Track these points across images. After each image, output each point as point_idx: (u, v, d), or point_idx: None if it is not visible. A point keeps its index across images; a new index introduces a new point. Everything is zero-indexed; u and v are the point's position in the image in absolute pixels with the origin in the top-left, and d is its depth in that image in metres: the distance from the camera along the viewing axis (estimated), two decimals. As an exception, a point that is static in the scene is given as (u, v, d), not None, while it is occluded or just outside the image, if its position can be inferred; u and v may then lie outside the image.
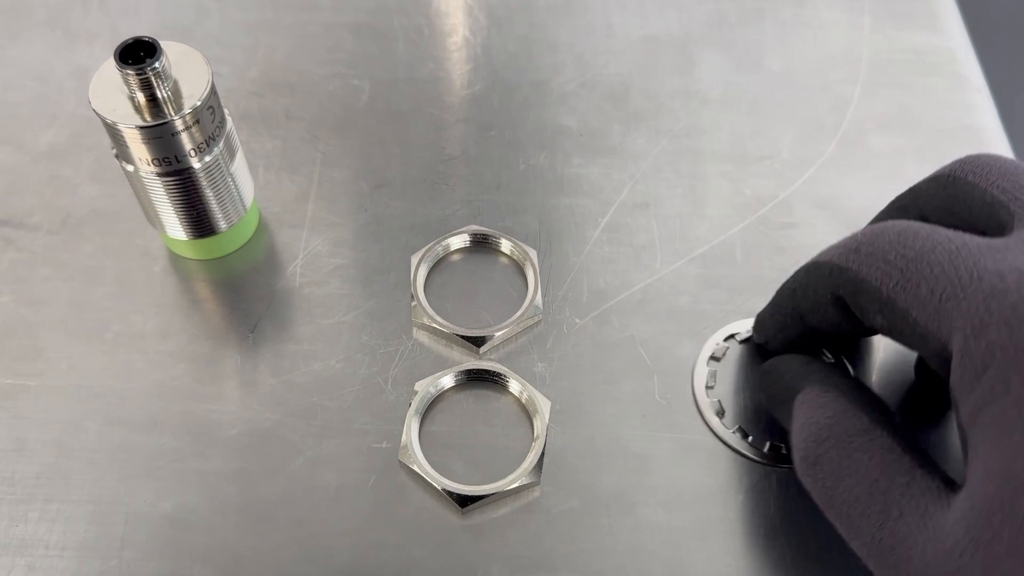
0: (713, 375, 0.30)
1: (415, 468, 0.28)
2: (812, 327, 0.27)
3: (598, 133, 0.37)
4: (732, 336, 0.31)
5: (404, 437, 0.29)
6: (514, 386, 0.30)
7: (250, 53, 0.40)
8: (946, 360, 0.22)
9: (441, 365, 0.31)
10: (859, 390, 0.25)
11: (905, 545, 0.21)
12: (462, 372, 0.30)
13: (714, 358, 0.31)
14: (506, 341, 0.32)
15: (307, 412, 0.30)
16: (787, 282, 0.28)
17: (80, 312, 0.32)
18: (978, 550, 0.19)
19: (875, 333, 0.25)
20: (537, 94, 0.39)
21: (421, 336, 0.32)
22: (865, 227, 0.25)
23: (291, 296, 0.33)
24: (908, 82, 0.39)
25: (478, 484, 0.28)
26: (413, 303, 0.32)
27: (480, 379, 0.31)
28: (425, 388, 0.30)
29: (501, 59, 0.40)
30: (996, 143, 0.37)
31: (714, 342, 0.31)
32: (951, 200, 0.25)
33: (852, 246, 0.24)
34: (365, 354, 0.31)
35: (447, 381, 0.30)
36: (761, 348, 0.31)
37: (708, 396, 0.30)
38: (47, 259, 0.34)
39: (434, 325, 0.31)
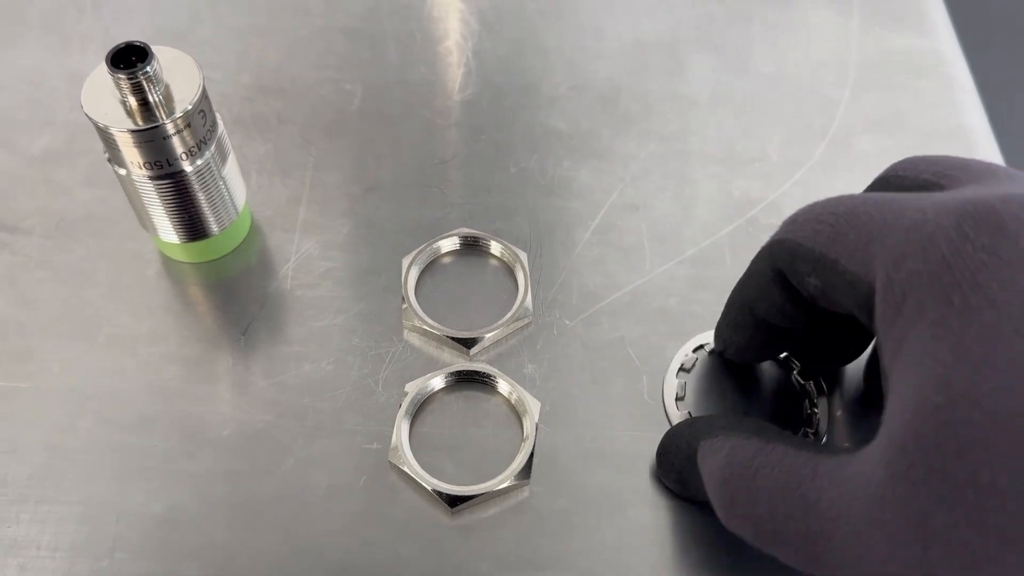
0: (683, 386, 0.31)
1: (405, 469, 0.29)
2: (760, 319, 0.27)
3: (588, 136, 0.37)
4: (701, 347, 0.31)
5: (394, 438, 0.29)
6: (504, 387, 0.30)
7: (243, 58, 0.40)
8: (870, 311, 0.22)
9: (431, 366, 0.31)
10: (746, 422, 0.25)
11: (831, 517, 0.20)
12: (452, 373, 0.31)
13: (683, 369, 0.31)
14: (496, 343, 0.32)
15: (298, 413, 0.30)
16: (736, 284, 0.28)
17: (73, 314, 0.32)
18: (897, 483, 0.18)
19: (814, 313, 0.26)
20: (527, 97, 0.39)
21: (412, 338, 0.32)
22: None
23: (283, 298, 0.33)
24: (897, 84, 0.39)
25: (468, 484, 0.28)
26: (404, 305, 0.32)
27: (470, 380, 0.31)
28: (415, 389, 0.30)
29: (492, 63, 0.40)
30: (984, 144, 0.38)
31: (683, 353, 0.31)
32: None
33: (790, 219, 0.25)
34: (356, 356, 0.32)
35: (437, 382, 0.31)
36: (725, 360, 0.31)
37: (678, 408, 0.30)
38: (41, 262, 0.34)
39: (425, 327, 0.32)
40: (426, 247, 0.34)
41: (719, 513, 0.24)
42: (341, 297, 0.33)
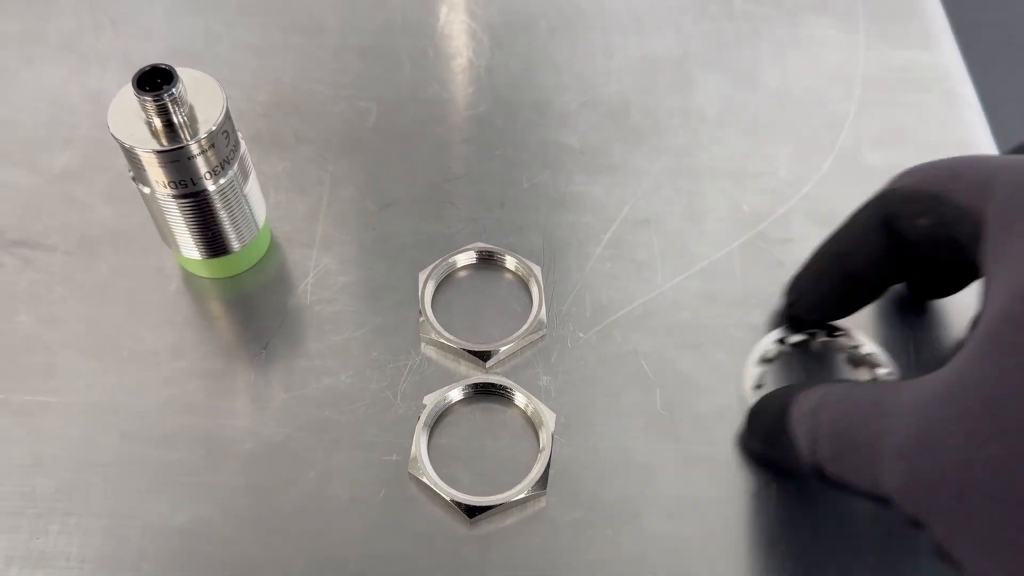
0: (763, 376, 0.32)
1: (424, 480, 0.29)
2: (848, 271, 0.29)
3: (599, 151, 0.38)
4: (782, 340, 0.32)
5: (413, 450, 0.30)
6: (520, 399, 0.31)
7: (259, 76, 0.41)
8: (977, 238, 0.24)
9: (449, 379, 0.32)
10: (842, 379, 0.28)
11: (906, 411, 0.22)
12: (469, 386, 0.31)
13: (765, 360, 0.32)
14: (512, 355, 0.32)
15: (318, 426, 0.31)
16: (827, 238, 0.30)
17: (96, 330, 0.33)
18: (981, 357, 0.20)
19: (910, 272, 0.29)
20: (539, 114, 0.39)
21: (429, 351, 0.33)
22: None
23: (302, 313, 0.33)
24: (902, 99, 0.40)
25: (486, 495, 0.29)
26: (421, 319, 0.33)
27: (487, 393, 0.31)
28: (433, 402, 0.31)
29: (504, 80, 0.41)
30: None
31: (765, 344, 0.32)
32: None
33: (899, 175, 0.28)
34: (374, 369, 0.32)
35: (455, 395, 0.31)
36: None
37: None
38: (63, 279, 0.34)
39: (441, 340, 0.32)
40: (442, 262, 0.34)
41: (803, 446, 0.25)
42: (359, 311, 0.34)
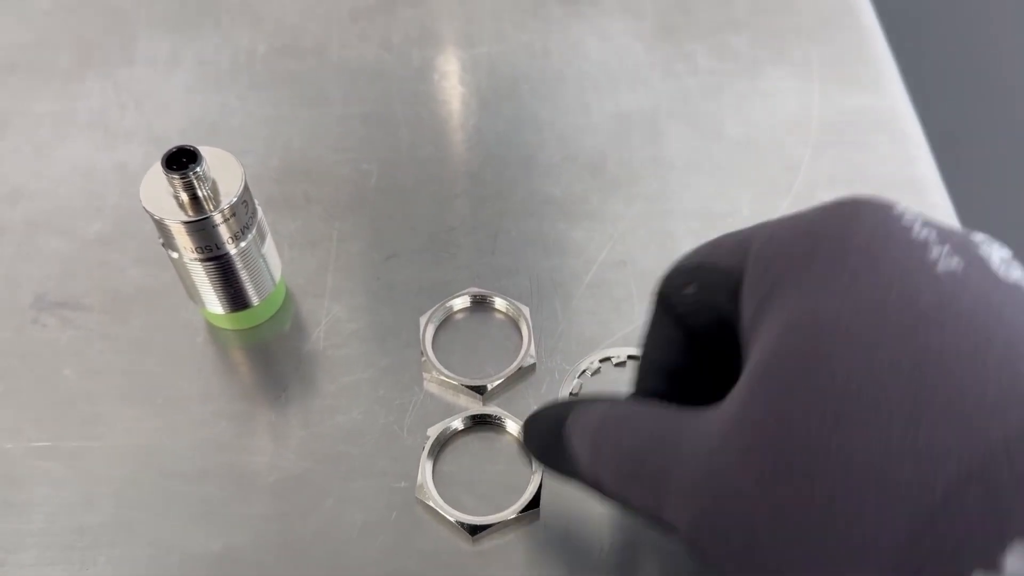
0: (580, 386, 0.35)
1: (431, 503, 0.33)
2: (663, 363, 0.29)
3: (579, 200, 0.42)
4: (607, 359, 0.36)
5: (420, 477, 0.33)
6: (513, 427, 0.35)
7: (270, 144, 0.45)
8: (738, 293, 0.24)
9: (449, 412, 0.35)
10: (624, 397, 0.28)
11: (689, 448, 0.22)
12: (468, 417, 0.35)
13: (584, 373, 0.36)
14: (505, 388, 0.36)
15: (334, 459, 0.34)
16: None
17: (133, 380, 0.37)
18: (756, 396, 0.20)
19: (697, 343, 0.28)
20: (525, 168, 0.43)
21: (431, 387, 0.36)
22: None
23: (316, 358, 0.37)
24: (854, 140, 0.44)
25: (486, 515, 0.32)
26: (423, 358, 0.37)
27: (484, 423, 0.35)
28: (436, 432, 0.34)
29: (492, 139, 0.45)
30: (935, 192, 0.42)
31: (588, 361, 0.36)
32: None
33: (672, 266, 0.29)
34: (382, 406, 0.36)
35: (455, 425, 0.35)
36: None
37: None
38: (101, 335, 0.38)
39: (442, 377, 0.36)
40: (440, 306, 0.38)
41: (582, 461, 0.25)
42: (367, 354, 0.37)
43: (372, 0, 0.51)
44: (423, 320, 0.38)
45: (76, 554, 0.32)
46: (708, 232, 0.40)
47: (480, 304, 0.39)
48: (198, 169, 0.32)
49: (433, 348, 0.37)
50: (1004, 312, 0.19)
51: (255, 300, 0.36)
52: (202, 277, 0.34)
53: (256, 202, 0.35)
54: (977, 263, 0.20)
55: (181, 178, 0.32)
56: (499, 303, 0.38)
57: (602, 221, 0.41)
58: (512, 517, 0.32)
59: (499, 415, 0.35)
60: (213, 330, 0.38)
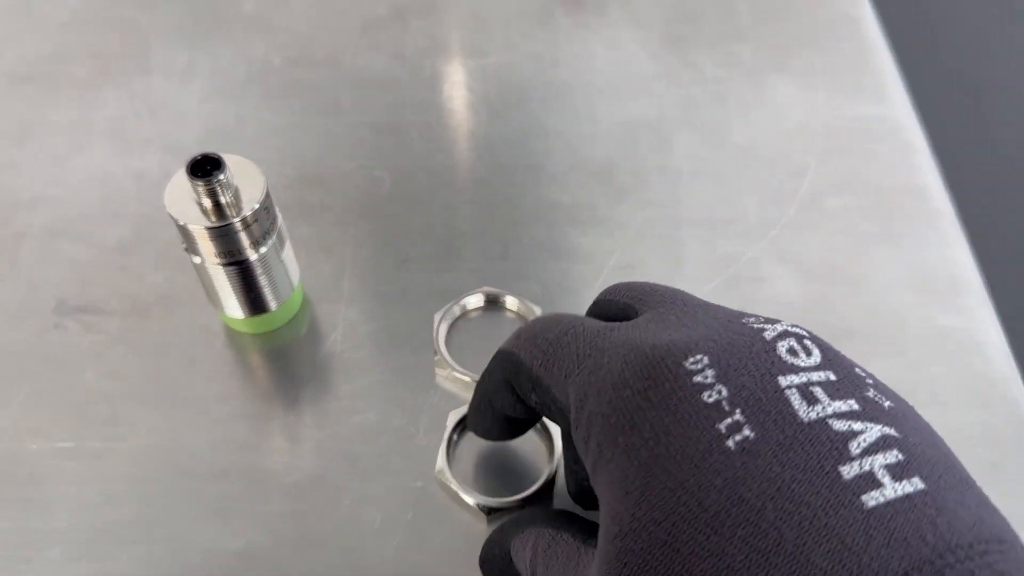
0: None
1: (451, 486, 0.33)
2: (498, 411, 0.30)
3: (588, 207, 0.43)
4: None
5: (439, 462, 0.34)
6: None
7: (285, 153, 0.46)
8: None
9: (463, 408, 0.36)
10: (547, 512, 0.29)
11: None
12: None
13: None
14: (517, 390, 0.37)
15: (350, 458, 0.35)
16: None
17: (153, 383, 0.38)
18: None
19: (538, 418, 0.30)
20: (534, 176, 0.44)
21: (444, 384, 0.37)
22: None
23: (332, 360, 0.38)
24: (858, 148, 0.45)
25: (502, 496, 0.33)
26: (436, 356, 0.38)
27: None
28: (456, 418, 0.35)
29: (501, 147, 0.46)
30: (938, 199, 0.43)
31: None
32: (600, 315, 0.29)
33: (517, 333, 0.28)
34: (397, 406, 0.37)
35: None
36: None
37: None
38: (122, 339, 0.39)
39: (455, 374, 0.37)
40: (453, 304, 0.39)
41: None
42: (382, 356, 0.38)
43: (383, 11, 0.52)
44: (437, 317, 0.39)
45: (99, 550, 0.33)
46: (714, 238, 0.41)
47: (493, 303, 0.40)
48: (222, 176, 0.33)
49: (447, 345, 0.38)
50: (794, 491, 0.19)
51: (273, 305, 0.37)
52: (223, 282, 0.35)
53: (277, 209, 0.36)
54: (771, 422, 0.20)
55: (205, 185, 0.32)
56: (511, 302, 0.39)
57: (610, 228, 0.42)
58: (528, 494, 0.33)
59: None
60: (231, 334, 0.39)
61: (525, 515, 0.29)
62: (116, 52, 0.51)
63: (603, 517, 0.22)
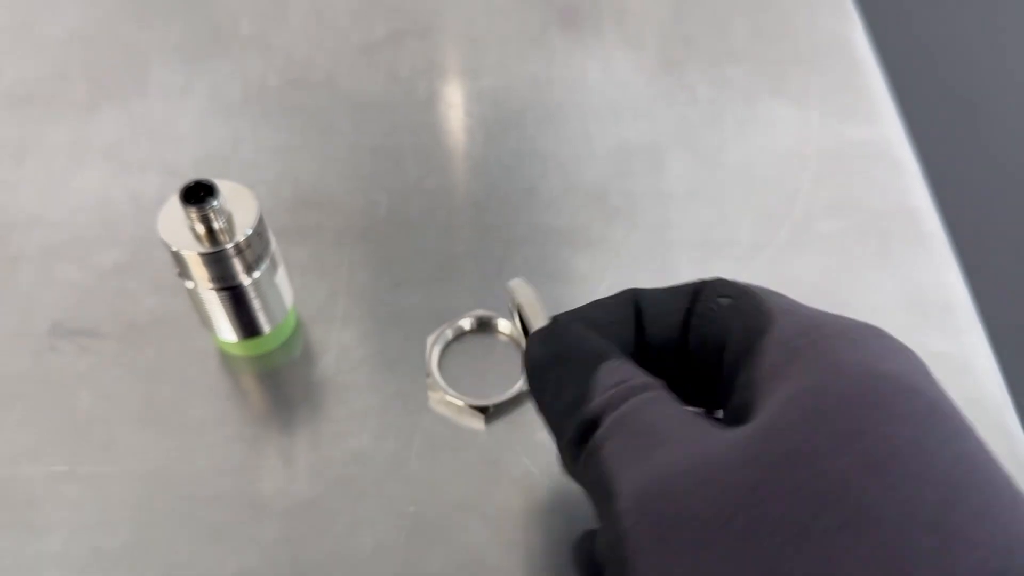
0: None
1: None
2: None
3: (582, 229, 0.43)
4: None
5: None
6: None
7: (282, 174, 0.46)
8: (753, 341, 0.25)
9: (455, 436, 0.36)
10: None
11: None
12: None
13: None
14: (509, 408, 0.37)
15: (344, 483, 0.35)
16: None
17: (148, 406, 0.38)
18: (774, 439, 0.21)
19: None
20: (528, 198, 0.45)
21: (437, 407, 0.37)
22: None
23: (326, 383, 0.38)
24: (851, 170, 0.45)
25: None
26: (428, 379, 0.38)
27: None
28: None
29: (497, 170, 0.46)
30: (929, 222, 0.43)
31: None
32: None
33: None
34: (391, 430, 0.37)
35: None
36: None
37: None
38: (117, 362, 0.39)
39: (447, 398, 0.37)
40: (446, 328, 0.39)
41: (596, 402, 0.25)
42: (376, 380, 0.38)
43: (380, 33, 0.53)
44: (429, 341, 0.39)
45: (94, 575, 0.33)
46: (708, 261, 0.41)
47: (485, 326, 0.40)
48: (215, 203, 0.33)
49: (439, 369, 0.38)
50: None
51: (267, 328, 0.37)
52: (216, 306, 0.35)
53: (270, 233, 0.36)
54: None
55: (198, 211, 0.33)
56: (503, 325, 0.40)
57: (604, 250, 0.42)
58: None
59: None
60: (226, 357, 0.39)
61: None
62: (114, 72, 0.52)
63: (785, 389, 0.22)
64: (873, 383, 0.21)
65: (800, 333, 0.24)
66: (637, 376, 0.25)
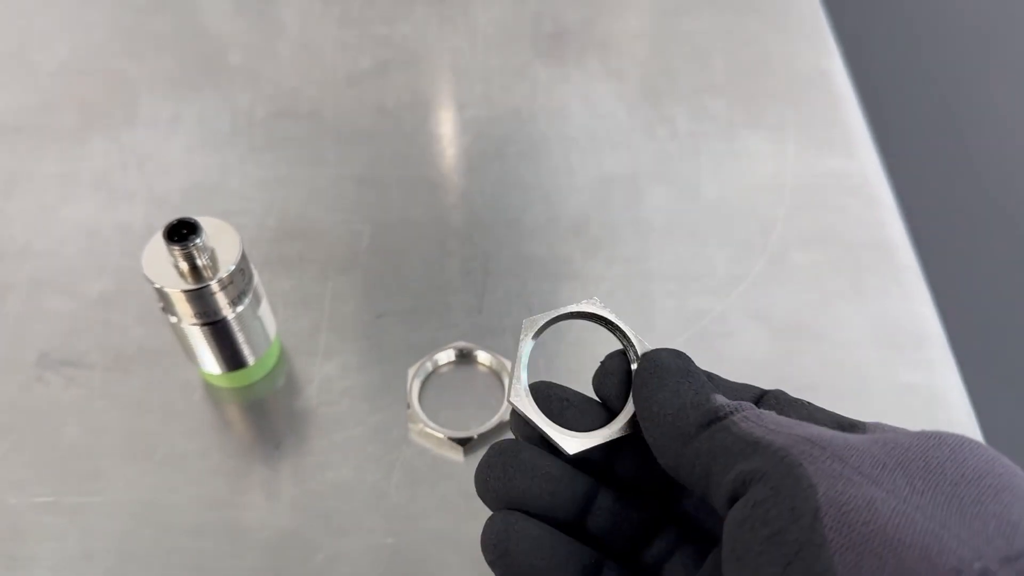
0: None
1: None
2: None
3: (563, 260, 0.44)
4: None
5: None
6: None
7: (267, 205, 0.47)
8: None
9: (435, 469, 0.37)
10: None
11: None
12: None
13: None
14: (490, 437, 0.38)
15: (324, 515, 0.36)
16: None
17: (133, 437, 0.38)
18: None
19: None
20: (511, 229, 0.45)
21: (417, 439, 0.38)
22: None
23: (308, 415, 0.39)
24: (827, 202, 0.46)
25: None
26: (409, 410, 0.38)
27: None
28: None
29: (480, 201, 0.47)
30: (904, 255, 0.44)
31: None
32: None
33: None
34: (371, 462, 0.37)
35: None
36: None
37: None
38: (103, 393, 0.40)
39: (427, 429, 0.37)
40: (426, 360, 0.40)
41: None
42: (358, 411, 0.39)
43: (367, 65, 0.54)
44: (410, 372, 0.39)
45: (76, 608, 0.34)
46: (683, 293, 0.42)
47: (465, 358, 0.41)
48: (198, 240, 0.33)
49: (419, 400, 0.39)
50: None
51: (251, 360, 0.38)
52: (199, 340, 0.36)
53: (252, 267, 0.37)
54: None
55: (182, 249, 0.33)
56: (482, 357, 0.40)
57: (584, 281, 0.43)
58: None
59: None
60: (210, 388, 0.40)
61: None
62: (104, 103, 0.52)
63: None
64: None
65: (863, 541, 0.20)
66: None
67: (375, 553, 0.35)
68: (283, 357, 0.41)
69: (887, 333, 0.41)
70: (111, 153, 0.50)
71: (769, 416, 0.23)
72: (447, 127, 0.51)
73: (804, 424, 0.23)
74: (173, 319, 0.36)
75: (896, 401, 0.39)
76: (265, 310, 0.38)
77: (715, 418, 0.23)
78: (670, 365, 0.27)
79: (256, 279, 0.37)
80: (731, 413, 0.23)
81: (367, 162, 0.49)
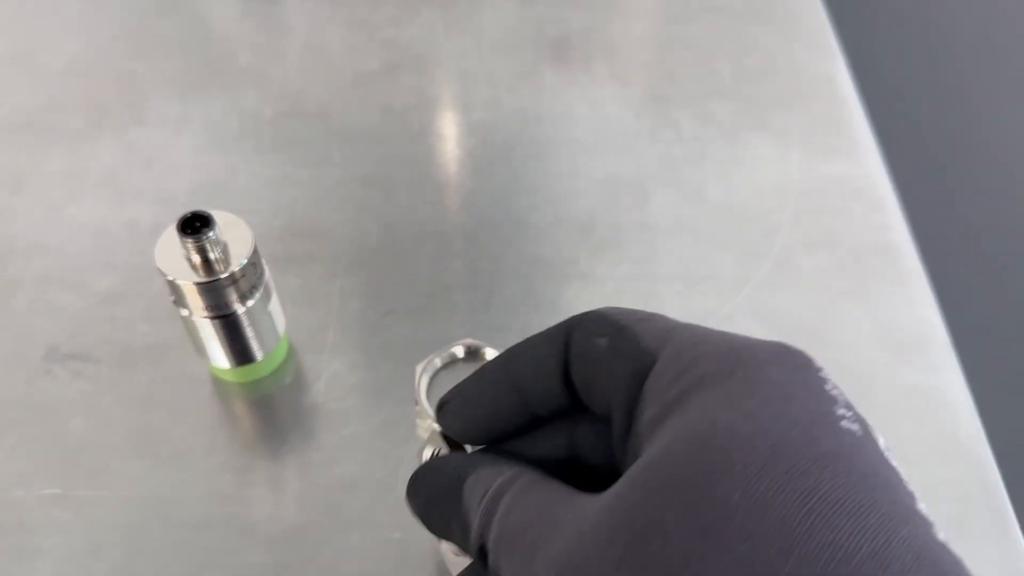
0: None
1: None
2: (523, 396, 0.27)
3: (569, 261, 0.44)
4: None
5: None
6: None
7: (275, 204, 0.47)
8: (640, 379, 0.23)
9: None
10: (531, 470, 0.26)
11: (565, 527, 0.21)
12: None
13: None
14: (497, 443, 0.38)
15: (332, 511, 0.36)
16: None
17: (140, 432, 0.38)
18: (634, 489, 0.20)
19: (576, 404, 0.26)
20: (518, 230, 0.46)
21: (425, 436, 0.38)
22: None
23: (316, 411, 0.39)
24: (831, 207, 0.46)
25: None
26: (416, 407, 0.38)
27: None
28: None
29: (486, 201, 0.47)
30: (909, 259, 0.44)
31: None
32: None
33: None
34: (379, 458, 0.37)
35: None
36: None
37: None
38: (110, 388, 0.40)
39: (435, 426, 0.37)
40: (435, 356, 0.40)
41: (473, 522, 0.25)
42: (365, 408, 0.39)
43: (374, 66, 0.54)
44: (418, 369, 0.40)
45: (83, 601, 0.34)
46: (690, 294, 0.42)
47: (473, 355, 0.41)
48: (211, 233, 0.34)
49: (427, 397, 0.39)
50: (890, 482, 0.19)
51: (260, 355, 0.38)
52: (210, 334, 0.36)
53: (263, 262, 0.37)
54: (871, 437, 0.21)
55: (195, 242, 0.34)
56: (490, 354, 0.40)
57: (590, 282, 0.43)
58: None
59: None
60: (218, 383, 0.40)
61: (482, 459, 0.27)
62: (112, 102, 0.53)
63: (676, 428, 0.21)
64: (713, 441, 0.20)
65: (675, 379, 0.22)
66: (498, 473, 0.25)
67: (383, 548, 0.35)
68: (291, 354, 0.41)
69: (891, 336, 0.41)
70: (119, 152, 0.50)
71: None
72: (453, 129, 0.51)
73: None
74: (184, 312, 0.36)
75: (900, 403, 0.39)
76: (275, 306, 0.38)
77: (486, 557, 0.24)
78: (419, 512, 0.28)
79: (267, 274, 0.37)
80: (486, 544, 0.24)
81: (374, 162, 0.49)
